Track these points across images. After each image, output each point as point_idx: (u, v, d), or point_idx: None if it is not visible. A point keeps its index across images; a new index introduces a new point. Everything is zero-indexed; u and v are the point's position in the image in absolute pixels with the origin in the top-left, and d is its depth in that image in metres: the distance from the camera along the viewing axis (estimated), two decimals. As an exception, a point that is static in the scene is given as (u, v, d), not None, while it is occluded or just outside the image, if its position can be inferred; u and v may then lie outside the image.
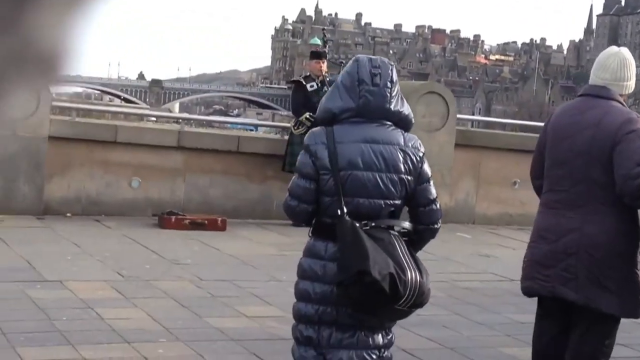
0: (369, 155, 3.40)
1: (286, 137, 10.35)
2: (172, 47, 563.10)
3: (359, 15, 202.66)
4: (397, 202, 3.44)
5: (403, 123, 3.50)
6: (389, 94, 3.45)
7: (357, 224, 3.33)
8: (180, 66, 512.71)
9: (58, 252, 7.74)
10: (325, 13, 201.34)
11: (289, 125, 11.62)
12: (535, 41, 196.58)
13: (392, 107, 3.46)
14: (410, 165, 3.45)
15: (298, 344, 3.53)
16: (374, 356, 3.47)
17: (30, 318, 5.62)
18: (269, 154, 10.40)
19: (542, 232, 4.14)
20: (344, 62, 11.75)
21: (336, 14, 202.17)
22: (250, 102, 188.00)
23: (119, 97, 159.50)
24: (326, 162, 3.40)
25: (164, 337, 5.43)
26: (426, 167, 3.51)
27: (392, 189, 3.41)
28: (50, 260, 7.34)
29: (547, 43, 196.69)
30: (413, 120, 3.59)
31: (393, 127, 3.47)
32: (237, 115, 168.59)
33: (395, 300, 3.28)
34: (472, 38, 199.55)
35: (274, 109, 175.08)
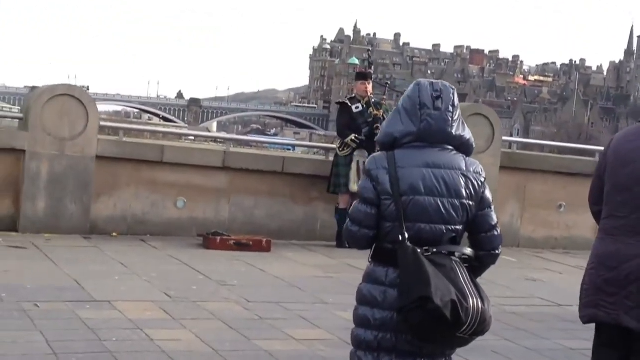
0: (430, 180, 3.37)
1: (331, 159, 10.34)
2: (211, 65, 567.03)
3: (397, 35, 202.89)
4: (459, 227, 3.40)
5: (464, 148, 3.47)
6: (450, 118, 3.43)
7: (419, 250, 3.30)
8: (218, 85, 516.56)
9: (106, 272, 7.77)
10: (363, 33, 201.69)
11: (327, 145, 11.64)
12: (575, 62, 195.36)
13: (453, 131, 3.43)
14: (472, 191, 3.41)
15: (357, 371, 3.49)
16: (433, 383, 3.43)
17: (80, 338, 5.64)
18: (313, 174, 10.41)
19: (601, 258, 4.08)
20: (389, 83, 11.77)
21: (375, 34, 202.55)
22: (287, 121, 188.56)
23: (157, 115, 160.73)
24: (387, 187, 3.38)
25: (213, 360, 5.42)
26: (488, 193, 3.47)
27: (454, 214, 3.38)
28: (98, 280, 7.38)
29: (587, 64, 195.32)
30: (474, 145, 3.55)
31: (455, 152, 3.45)
32: (275, 135, 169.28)
33: (457, 328, 3.23)
34: (511, 59, 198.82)
35: (312, 128, 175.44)
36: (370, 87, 10.11)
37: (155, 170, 9.90)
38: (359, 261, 9.20)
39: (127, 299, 6.80)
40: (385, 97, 10.38)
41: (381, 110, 9.98)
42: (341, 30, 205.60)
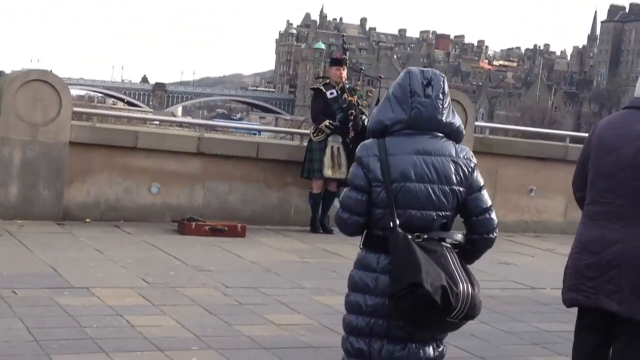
0: (421, 167, 3.40)
1: (305, 144, 10.35)
2: (175, 50, 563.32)
3: (363, 20, 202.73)
4: (449, 213, 3.44)
5: (454, 135, 3.51)
6: (441, 106, 3.46)
7: (410, 236, 3.33)
8: (184, 69, 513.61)
9: (81, 258, 7.75)
10: (330, 17, 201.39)
11: (301, 131, 11.65)
12: (539, 47, 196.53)
13: (443, 118, 3.46)
14: (462, 176, 3.45)
15: (348, 356, 3.53)
16: (425, 368, 3.47)
17: (61, 325, 5.63)
18: (287, 160, 10.41)
19: (584, 243, 4.14)
20: (363, 69, 11.79)
21: (341, 19, 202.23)
22: (253, 105, 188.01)
23: (122, 100, 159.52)
24: (378, 174, 3.40)
25: (196, 345, 5.43)
26: (478, 177, 3.50)
27: (444, 201, 3.41)
28: (75, 267, 7.35)
29: (551, 49, 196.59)
30: (464, 132, 3.59)
31: (445, 139, 3.48)
32: (240, 119, 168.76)
33: (448, 313, 3.28)
34: (476, 44, 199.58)
35: (277, 112, 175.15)
36: (344, 73, 10.12)
37: (128, 156, 9.85)
38: (334, 246, 9.30)
39: (105, 285, 6.79)
40: (359, 82, 10.39)
41: (355, 96, 9.98)
42: (307, 15, 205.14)
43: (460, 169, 3.45)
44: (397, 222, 3.35)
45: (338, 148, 9.97)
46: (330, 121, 9.90)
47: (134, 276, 7.20)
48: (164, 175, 9.97)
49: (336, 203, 10.31)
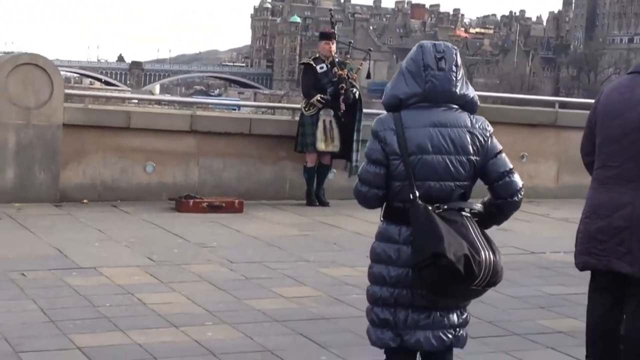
0: (437, 139, 3.46)
1: (296, 119, 10.40)
2: (151, 28, 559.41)
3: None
4: (467, 183, 3.51)
5: (469, 106, 3.56)
6: (454, 78, 3.51)
7: (430, 207, 3.39)
8: (159, 47, 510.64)
9: (84, 239, 7.80)
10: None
11: (293, 105, 11.70)
12: (515, 13, 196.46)
13: (457, 90, 3.51)
14: (479, 146, 3.51)
15: (374, 326, 3.59)
16: (450, 335, 3.55)
17: (74, 305, 5.69)
18: (280, 135, 10.47)
19: (595, 207, 4.24)
20: (352, 42, 11.82)
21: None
22: (231, 81, 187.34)
23: (99, 80, 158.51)
24: (395, 148, 3.46)
25: (209, 321, 5.51)
26: (494, 143, 3.55)
27: (462, 171, 3.48)
28: (79, 247, 7.40)
29: (527, 15, 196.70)
30: (478, 103, 3.65)
31: (460, 110, 3.53)
32: (219, 95, 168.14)
33: (471, 281, 3.35)
34: (451, 12, 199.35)
35: (256, 87, 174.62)
36: (334, 47, 10.16)
37: (122, 136, 9.87)
38: (332, 218, 9.39)
39: (111, 264, 6.85)
40: (349, 56, 10.41)
41: (345, 70, 10.03)
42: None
43: (476, 138, 3.51)
44: (417, 194, 3.41)
45: (330, 121, 10.03)
46: (322, 95, 9.95)
47: (139, 255, 7.26)
48: (158, 154, 10.01)
49: (331, 176, 10.41)
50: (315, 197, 10.21)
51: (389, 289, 3.51)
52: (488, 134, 3.56)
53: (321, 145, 10.02)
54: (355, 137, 10.10)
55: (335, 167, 10.42)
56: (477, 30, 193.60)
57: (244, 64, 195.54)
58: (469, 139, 3.50)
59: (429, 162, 3.45)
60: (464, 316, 3.61)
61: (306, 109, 10.10)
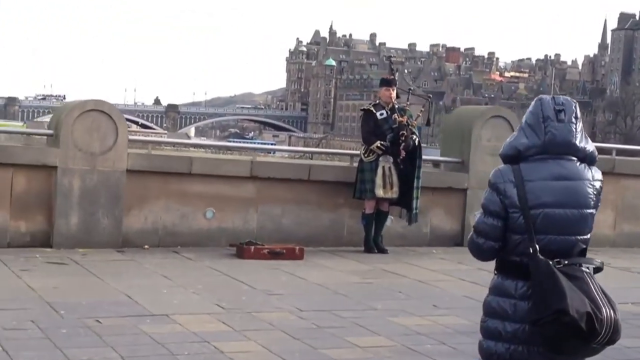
0: (558, 192, 3.44)
1: (354, 165, 10.45)
2: (187, 71, 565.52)
3: (373, 36, 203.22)
4: (587, 237, 3.50)
5: (589, 159, 3.54)
6: (574, 130, 3.50)
7: (551, 262, 3.38)
8: (195, 90, 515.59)
9: (152, 285, 7.85)
10: (339, 34, 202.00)
11: (352, 152, 11.74)
12: (550, 57, 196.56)
13: (577, 142, 3.50)
14: (595, 199, 3.51)
15: (489, 381, 3.56)
16: (563, 393, 3.51)
17: (154, 353, 5.72)
18: (338, 181, 10.51)
19: None
20: (412, 88, 11.88)
21: (350, 35, 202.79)
22: (266, 124, 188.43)
23: (136, 123, 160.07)
24: (515, 201, 3.45)
25: (289, 370, 5.51)
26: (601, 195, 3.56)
27: (583, 225, 3.47)
28: (148, 294, 7.45)
29: (562, 59, 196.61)
30: (597, 157, 3.62)
31: (579, 162, 3.52)
32: (253, 138, 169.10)
33: (592, 339, 3.31)
34: (486, 55, 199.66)
35: (290, 130, 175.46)
36: (394, 94, 10.21)
37: (184, 182, 9.97)
38: (392, 266, 9.39)
39: (183, 312, 6.88)
40: (408, 102, 10.47)
41: (405, 117, 10.08)
42: (317, 32, 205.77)
43: (595, 191, 3.50)
44: (537, 248, 3.40)
45: (389, 168, 10.06)
46: (382, 142, 9.99)
47: (208, 302, 7.29)
48: (218, 199, 10.09)
49: (389, 223, 10.41)
50: (373, 244, 10.22)
51: (504, 345, 3.47)
52: (600, 185, 3.55)
53: (380, 192, 10.04)
54: (415, 184, 10.12)
55: (392, 214, 10.42)
56: (512, 73, 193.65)
57: (263, 109, 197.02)
58: (590, 192, 3.48)
59: (550, 215, 3.42)
60: (580, 374, 3.56)
61: (365, 155, 10.15)
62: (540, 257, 3.37)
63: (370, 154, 10.11)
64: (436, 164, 11.70)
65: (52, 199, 9.41)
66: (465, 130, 11.12)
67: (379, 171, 10.05)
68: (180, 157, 10.40)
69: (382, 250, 10.19)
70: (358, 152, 10.55)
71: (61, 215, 9.38)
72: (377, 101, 10.34)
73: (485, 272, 9.08)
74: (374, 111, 10.18)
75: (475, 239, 3.55)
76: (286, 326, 6.59)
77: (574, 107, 3.53)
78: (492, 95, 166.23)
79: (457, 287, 8.48)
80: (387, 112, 10.14)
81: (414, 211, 10.10)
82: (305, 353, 5.93)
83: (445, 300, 7.87)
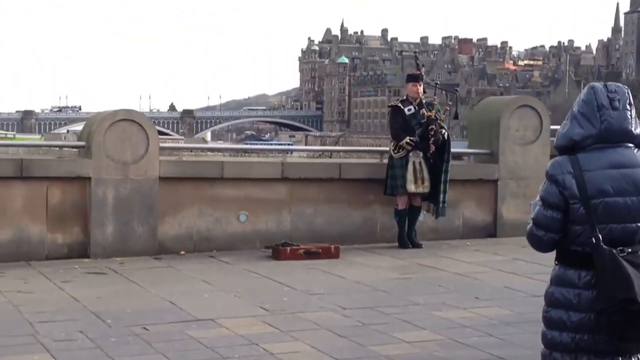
0: (617, 181, 3.43)
1: (384, 162, 10.46)
2: (200, 75, 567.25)
3: (384, 31, 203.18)
4: None
5: None
6: (629, 116, 3.49)
7: (614, 251, 3.38)
8: (210, 94, 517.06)
9: (193, 291, 7.90)
10: (351, 31, 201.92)
11: (381, 148, 11.76)
12: (563, 43, 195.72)
13: (633, 128, 3.50)
14: None
15: (555, 371, 3.56)
16: (632, 379, 3.51)
17: (204, 358, 5.76)
18: (369, 178, 10.53)
19: None
20: (438, 83, 11.89)
21: (362, 32, 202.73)
22: (281, 125, 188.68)
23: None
24: (575, 191, 3.44)
25: (341, 368, 5.54)
26: None
27: None
28: (191, 299, 7.49)
29: (575, 44, 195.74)
30: None
31: (636, 149, 3.51)
32: (270, 139, 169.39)
33: None
34: (499, 45, 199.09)
35: (306, 130, 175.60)
36: (421, 89, 10.22)
37: (216, 186, 10.02)
38: (429, 260, 9.41)
39: (227, 315, 6.92)
40: (436, 97, 10.48)
41: (433, 111, 10.09)
42: (328, 31, 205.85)
43: None
44: (600, 237, 3.39)
45: (420, 163, 10.07)
46: (411, 137, 10.00)
47: (251, 304, 7.33)
48: (251, 202, 10.13)
49: (421, 217, 10.42)
50: (407, 240, 10.23)
51: (569, 334, 3.47)
52: None
53: (411, 187, 10.05)
54: (443, 177, 10.12)
55: (423, 209, 10.43)
56: (526, 62, 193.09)
57: (261, 107, 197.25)
58: None
59: (610, 204, 3.41)
60: (645, 360, 3.57)
61: (395, 152, 10.16)
62: (604, 246, 3.36)
63: (400, 150, 10.11)
64: (457, 156, 11.63)
65: (87, 210, 9.49)
66: (493, 121, 11.12)
67: (410, 167, 10.05)
68: (211, 162, 10.45)
69: (417, 245, 10.20)
70: (387, 148, 10.57)
71: (97, 225, 9.45)
72: (405, 97, 10.35)
73: (522, 262, 9.18)
74: (402, 107, 10.19)
75: (535, 232, 3.55)
76: (331, 325, 6.63)
77: (627, 94, 3.52)
78: (507, 85, 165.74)
79: (496, 278, 8.49)
80: (414, 108, 10.14)
81: (441, 205, 10.11)
82: (354, 350, 5.96)
83: (485, 291, 7.88)
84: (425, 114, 10.04)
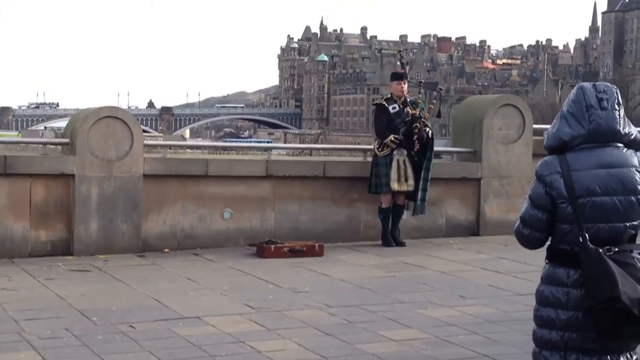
0: (605, 180, 3.47)
1: (368, 160, 10.48)
2: (179, 73, 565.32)
3: (364, 29, 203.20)
4: (636, 223, 3.51)
5: (634, 144, 3.55)
6: (618, 116, 3.52)
7: (601, 250, 3.41)
8: (189, 92, 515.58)
9: (178, 288, 7.89)
10: (330, 29, 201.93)
11: (365, 147, 11.76)
12: (541, 43, 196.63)
13: (621, 128, 3.52)
14: None
15: (544, 369, 3.59)
16: (620, 377, 3.55)
17: (192, 356, 5.76)
18: (353, 177, 10.55)
19: None
20: (422, 81, 11.93)
21: (341, 30, 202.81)
22: (260, 122, 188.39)
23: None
24: (563, 191, 3.48)
25: (329, 367, 5.55)
26: None
27: (631, 212, 3.49)
28: (176, 297, 7.49)
29: (553, 44, 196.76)
30: None
31: (625, 149, 3.54)
32: (249, 137, 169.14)
33: None
34: (478, 44, 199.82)
35: (285, 127, 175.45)
36: (405, 87, 10.25)
37: (200, 184, 10.01)
38: (412, 258, 9.44)
39: (213, 313, 6.92)
40: (420, 95, 10.51)
41: (418, 109, 10.11)
42: (307, 28, 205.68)
43: None
44: (587, 237, 3.43)
45: (404, 161, 10.09)
46: (395, 135, 10.03)
47: (237, 302, 7.33)
48: (235, 200, 10.13)
49: (404, 216, 10.44)
50: (391, 238, 10.25)
51: (558, 332, 3.51)
52: None
53: (395, 185, 10.08)
54: (423, 175, 10.15)
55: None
56: (505, 61, 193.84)
57: (241, 105, 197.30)
58: (637, 178, 3.49)
59: (598, 204, 3.45)
60: (634, 358, 3.60)
61: (379, 150, 10.18)
62: (590, 245, 3.40)
63: (385, 148, 10.13)
64: (437, 154, 11.62)
65: (70, 207, 9.45)
66: (476, 120, 11.16)
67: (394, 164, 10.07)
68: (196, 159, 10.43)
69: (400, 244, 10.23)
70: (371, 146, 10.59)
71: (80, 222, 9.41)
72: (390, 95, 10.37)
73: (506, 260, 9.24)
74: (386, 105, 10.21)
75: (521, 229, 3.60)
76: (318, 323, 6.64)
77: (615, 94, 3.55)
78: (486, 84, 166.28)
79: (480, 277, 8.53)
80: (399, 106, 10.17)
81: (419, 202, 10.14)
82: (341, 348, 5.98)
83: (470, 290, 7.92)
84: (410, 112, 10.06)
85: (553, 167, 3.52)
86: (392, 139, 10.02)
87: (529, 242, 3.61)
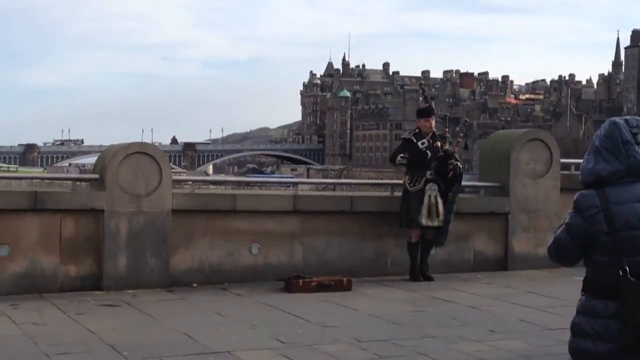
0: None
1: (396, 194, 10.49)
2: (202, 109, 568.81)
3: (386, 65, 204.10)
4: None
5: None
6: None
7: None
8: (212, 128, 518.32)
9: (208, 323, 7.89)
10: (352, 65, 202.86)
11: (395, 181, 11.78)
12: (564, 78, 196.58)
13: None
14: None
15: (581, 400, 3.58)
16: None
17: (224, 390, 5.75)
18: (381, 211, 10.56)
19: None
20: (448, 115, 11.96)
21: (364, 65, 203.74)
22: (283, 158, 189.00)
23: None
24: (603, 226, 3.50)
25: (361, 401, 5.52)
26: None
27: None
28: (206, 332, 7.48)
29: (576, 79, 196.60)
30: None
31: None
32: (272, 172, 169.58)
33: None
34: (500, 79, 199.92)
35: (308, 163, 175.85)
36: (433, 122, 10.30)
37: (228, 219, 10.04)
38: (441, 293, 9.41)
39: (244, 348, 6.91)
40: (447, 129, 10.54)
41: (446, 143, 10.16)
42: (330, 64, 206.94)
43: None
44: (627, 270, 3.44)
45: (435, 197, 10.10)
46: (402, 155, 10.12)
47: (267, 337, 7.32)
48: (263, 235, 10.15)
49: (433, 251, 10.43)
50: (419, 273, 10.23)
51: None
52: None
53: (425, 221, 10.08)
54: (447, 207, 10.17)
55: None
56: (527, 96, 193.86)
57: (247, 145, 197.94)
58: None
59: (637, 237, 3.48)
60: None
61: (411, 185, 10.19)
62: (631, 279, 3.41)
63: (417, 184, 10.14)
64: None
65: (100, 242, 9.50)
66: (503, 154, 11.16)
67: (425, 200, 10.09)
68: (223, 194, 10.47)
69: (429, 278, 10.21)
70: (399, 181, 10.61)
71: (110, 257, 9.46)
72: (417, 130, 10.38)
73: (535, 295, 9.18)
74: (414, 140, 10.22)
75: (553, 253, 3.71)
76: (348, 357, 6.62)
77: None
78: (509, 119, 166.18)
79: (510, 311, 8.48)
80: (428, 141, 10.19)
81: (443, 234, 10.18)
82: (374, 383, 5.95)
83: (500, 324, 7.87)
84: (444, 147, 10.10)
85: (592, 202, 3.56)
86: (399, 159, 10.13)
87: (558, 260, 3.72)
